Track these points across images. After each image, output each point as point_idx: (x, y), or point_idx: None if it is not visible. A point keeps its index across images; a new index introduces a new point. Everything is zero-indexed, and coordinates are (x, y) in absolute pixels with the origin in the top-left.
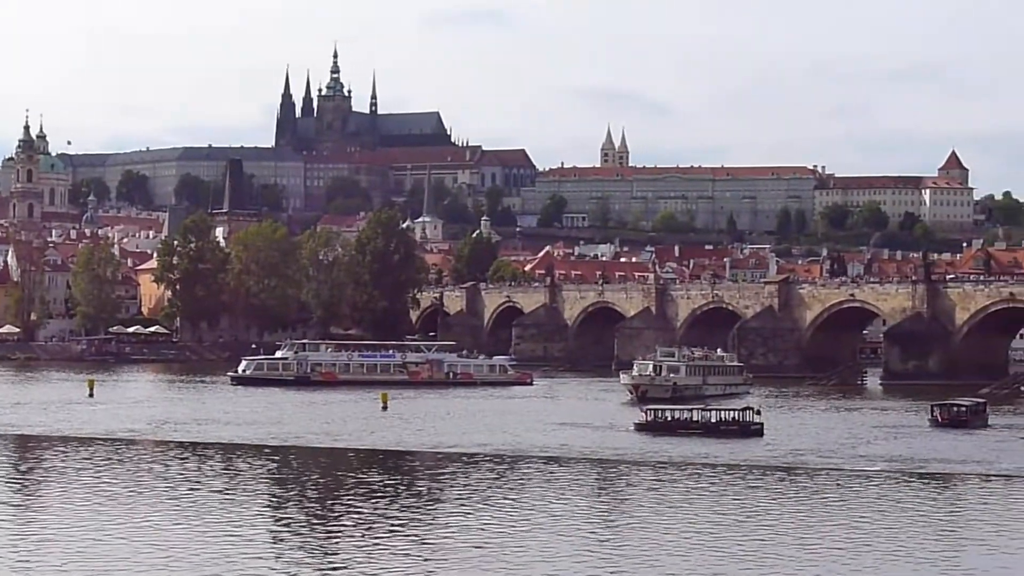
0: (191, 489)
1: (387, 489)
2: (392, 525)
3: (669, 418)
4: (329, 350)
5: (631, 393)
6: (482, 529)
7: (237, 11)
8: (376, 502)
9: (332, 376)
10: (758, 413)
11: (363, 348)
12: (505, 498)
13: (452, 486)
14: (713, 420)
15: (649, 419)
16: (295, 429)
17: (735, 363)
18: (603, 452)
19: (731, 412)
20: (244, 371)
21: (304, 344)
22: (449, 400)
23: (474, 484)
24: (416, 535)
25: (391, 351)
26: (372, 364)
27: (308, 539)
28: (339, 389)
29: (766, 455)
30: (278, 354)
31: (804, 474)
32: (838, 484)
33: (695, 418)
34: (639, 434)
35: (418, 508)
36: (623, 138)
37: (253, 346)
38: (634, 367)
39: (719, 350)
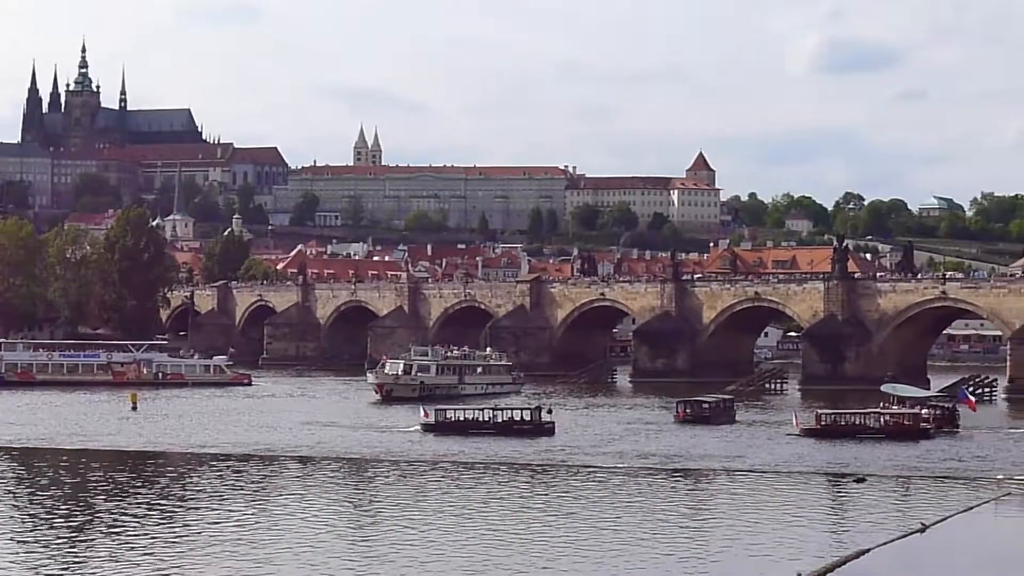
0: None
1: (138, 489)
2: (143, 525)
3: (459, 418)
4: (28, 350)
5: (376, 392)
6: (235, 530)
7: None
8: (126, 502)
9: (29, 376)
10: (549, 412)
11: (64, 347)
12: (261, 497)
13: (203, 486)
14: (504, 419)
15: (438, 419)
16: (43, 431)
17: (502, 362)
18: (379, 453)
19: (523, 411)
20: None
21: (0, 343)
22: (205, 401)
23: (226, 484)
24: (168, 536)
25: (97, 351)
26: (73, 364)
27: (56, 541)
28: (35, 390)
29: (542, 453)
30: None
31: (567, 472)
32: (606, 481)
33: (485, 418)
34: (425, 435)
35: (171, 508)
36: (376, 137)
37: None
38: (386, 366)
39: (488, 349)
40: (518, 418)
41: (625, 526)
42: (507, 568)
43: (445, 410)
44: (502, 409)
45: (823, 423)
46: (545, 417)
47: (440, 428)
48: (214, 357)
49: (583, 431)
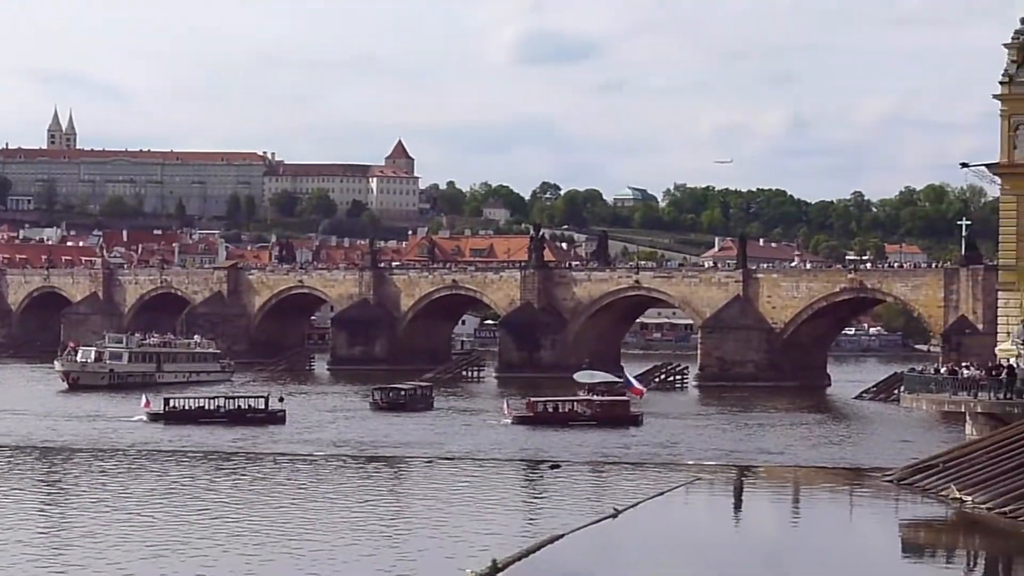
0: None
1: None
2: None
3: (188, 407)
4: None
5: (63, 380)
6: None
7: None
8: None
9: None
10: (281, 400)
11: None
12: None
13: None
14: (235, 408)
15: (165, 408)
16: None
17: (210, 351)
18: (90, 443)
19: (254, 399)
20: None
21: None
22: None
23: None
24: None
25: None
26: None
27: None
28: None
29: (262, 441)
30: None
31: (275, 459)
32: (308, 468)
33: (215, 406)
34: (151, 424)
35: None
36: (71, 120)
37: None
38: (77, 353)
39: (196, 337)
40: (248, 407)
41: (320, 513)
42: (190, 553)
43: (171, 399)
44: (232, 397)
45: (536, 411)
46: (276, 405)
47: (168, 417)
48: None
49: (304, 419)
